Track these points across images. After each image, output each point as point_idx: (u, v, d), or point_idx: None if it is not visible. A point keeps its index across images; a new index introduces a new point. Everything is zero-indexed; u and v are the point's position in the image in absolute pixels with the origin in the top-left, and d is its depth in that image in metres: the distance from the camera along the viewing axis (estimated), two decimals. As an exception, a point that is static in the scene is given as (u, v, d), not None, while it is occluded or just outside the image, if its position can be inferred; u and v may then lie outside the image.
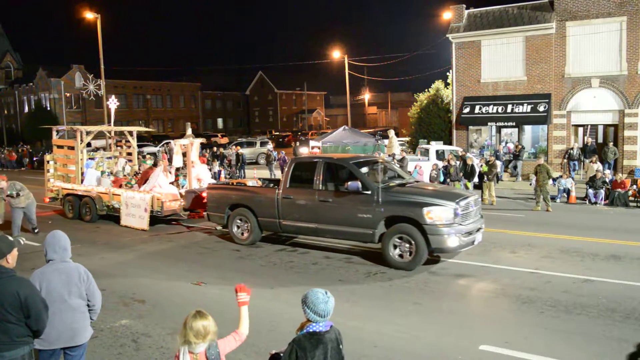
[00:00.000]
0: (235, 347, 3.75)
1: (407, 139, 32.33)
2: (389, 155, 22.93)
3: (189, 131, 15.31)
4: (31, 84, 61.13)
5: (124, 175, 15.94)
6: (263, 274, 9.43)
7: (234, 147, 32.66)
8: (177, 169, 16.10)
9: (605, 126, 23.59)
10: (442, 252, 9.32)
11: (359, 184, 9.61)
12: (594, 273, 8.83)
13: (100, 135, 19.10)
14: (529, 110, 23.47)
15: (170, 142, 35.23)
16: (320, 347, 3.36)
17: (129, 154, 17.96)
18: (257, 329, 6.72)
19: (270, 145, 35.64)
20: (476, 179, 18.75)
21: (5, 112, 65.45)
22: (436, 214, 8.99)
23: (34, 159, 37.64)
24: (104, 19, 33.64)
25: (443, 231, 8.92)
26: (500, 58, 24.67)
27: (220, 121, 78.30)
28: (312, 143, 28.02)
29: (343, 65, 46.20)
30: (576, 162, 22.47)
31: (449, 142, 26.34)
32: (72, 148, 16.09)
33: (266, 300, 7.95)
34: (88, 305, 4.56)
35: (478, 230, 9.63)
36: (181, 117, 67.36)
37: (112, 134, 18.31)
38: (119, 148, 18.44)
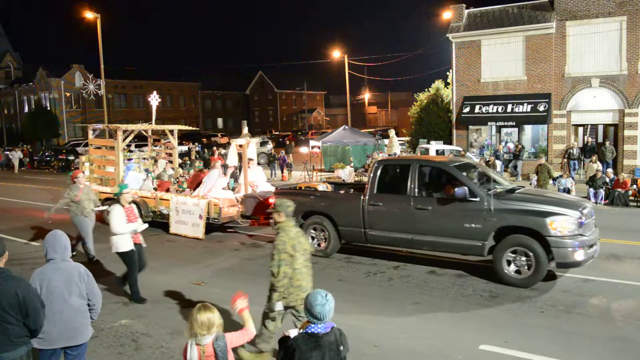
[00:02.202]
0: (242, 343, 3.97)
1: (407, 138, 32.33)
2: (389, 155, 22.96)
3: (245, 130, 14.22)
4: (31, 83, 61.14)
5: (169, 178, 14.59)
6: (263, 273, 9.42)
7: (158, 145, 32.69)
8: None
9: (605, 126, 23.59)
10: (567, 266, 8.30)
11: (467, 190, 8.56)
12: (594, 273, 8.83)
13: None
14: (529, 109, 23.47)
15: (169, 141, 35.26)
16: (318, 349, 3.36)
17: (169, 154, 16.68)
18: (257, 329, 6.73)
19: (270, 145, 35.61)
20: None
21: (5, 112, 65.44)
22: (560, 224, 8.02)
23: (34, 158, 37.57)
24: (104, 19, 33.63)
25: (568, 243, 7.94)
26: (500, 58, 24.66)
27: (220, 121, 78.27)
28: (312, 143, 28.05)
29: (343, 65, 46.22)
30: (576, 162, 22.48)
31: (449, 141, 26.34)
32: (112, 148, 14.68)
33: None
34: (88, 305, 4.56)
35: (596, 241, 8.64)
36: (181, 117, 67.32)
37: (150, 132, 16.85)
38: (156, 148, 17.40)
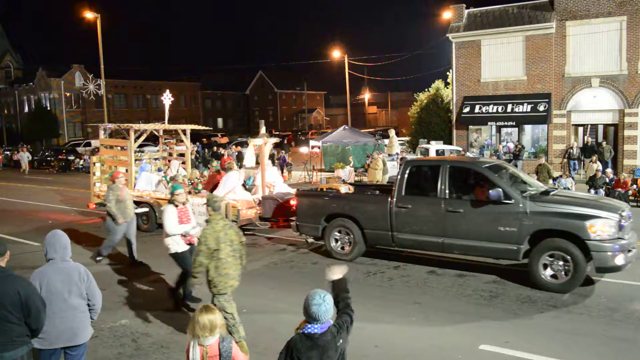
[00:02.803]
0: None
1: (407, 138, 32.34)
2: (389, 155, 22.96)
3: (263, 130, 13.77)
4: (31, 83, 61.11)
5: (183, 179, 14.19)
6: (264, 273, 9.43)
7: (234, 146, 32.70)
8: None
9: (605, 126, 23.59)
10: (606, 271, 8.11)
11: (501, 192, 8.29)
12: (595, 272, 8.82)
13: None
14: (529, 109, 23.47)
15: (170, 141, 35.25)
16: (315, 349, 3.37)
17: (182, 154, 16.33)
18: (257, 329, 6.73)
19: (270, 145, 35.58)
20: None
21: (5, 112, 65.45)
22: (600, 227, 7.77)
23: (34, 158, 37.57)
24: (104, 19, 33.63)
25: (608, 247, 7.68)
26: (500, 58, 24.66)
27: (220, 121, 78.26)
28: (312, 143, 28.05)
29: (343, 65, 46.22)
30: (576, 162, 22.48)
31: (449, 141, 26.34)
32: (124, 148, 14.35)
33: (267, 300, 7.95)
34: (88, 305, 4.56)
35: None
36: (181, 117, 67.28)
37: (161, 132, 16.29)
38: (168, 148, 16.86)
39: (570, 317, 7.01)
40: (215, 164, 18.94)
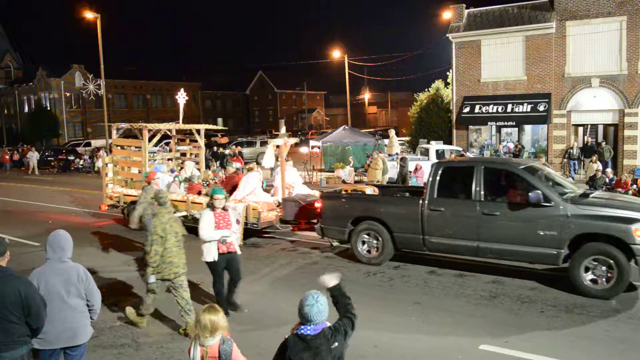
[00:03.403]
0: None
1: (407, 138, 32.35)
2: (389, 155, 22.96)
3: (283, 130, 13.29)
4: (31, 83, 61.13)
5: (199, 180, 13.75)
6: (264, 273, 9.42)
7: (234, 146, 32.70)
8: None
9: (605, 126, 23.58)
10: None
11: (541, 194, 8.01)
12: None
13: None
14: (529, 109, 23.47)
15: (170, 142, 35.23)
16: (306, 352, 3.38)
17: (196, 155, 15.89)
18: (256, 329, 6.74)
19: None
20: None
21: (5, 112, 65.45)
22: None
23: (23, 158, 37.58)
24: (104, 19, 33.63)
25: None
26: (500, 58, 24.66)
27: (220, 121, 78.21)
28: (312, 143, 28.05)
29: (343, 65, 46.22)
30: (576, 162, 22.48)
31: (449, 141, 26.34)
32: (138, 148, 13.94)
33: (267, 300, 7.95)
34: (87, 305, 4.56)
35: None
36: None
37: (174, 132, 15.94)
38: (182, 148, 16.45)
39: (571, 317, 7.01)
40: (234, 164, 18.73)
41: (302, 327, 3.44)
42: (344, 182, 22.71)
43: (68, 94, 58.97)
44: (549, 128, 23.71)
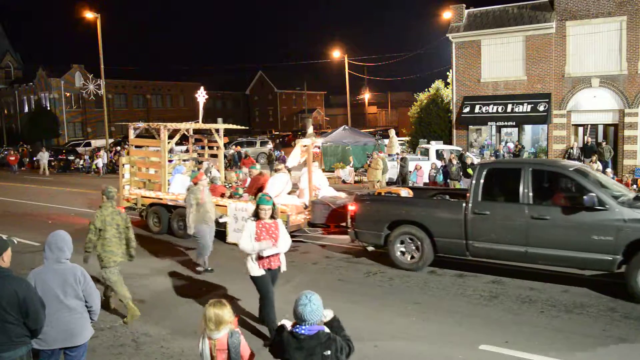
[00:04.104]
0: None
1: (407, 138, 32.35)
2: (389, 155, 22.96)
3: (310, 129, 13.24)
4: (31, 83, 61.16)
5: (223, 183, 13.29)
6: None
7: (234, 146, 32.70)
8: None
9: (605, 126, 23.59)
10: None
11: (595, 197, 7.67)
12: (595, 272, 8.82)
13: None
14: (529, 109, 23.47)
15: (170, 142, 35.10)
16: (300, 351, 3.39)
17: (214, 155, 15.38)
18: (256, 328, 6.73)
19: (270, 145, 35.61)
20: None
21: (5, 112, 65.47)
22: None
23: (34, 158, 37.54)
24: (104, 19, 33.67)
25: None
26: (500, 58, 24.66)
27: (220, 121, 78.20)
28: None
29: (343, 65, 46.26)
30: (576, 162, 22.45)
31: (449, 141, 26.35)
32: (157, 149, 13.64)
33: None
34: (86, 306, 4.56)
35: None
36: (181, 117, 67.35)
37: (191, 132, 15.40)
38: (199, 149, 15.97)
39: (570, 317, 7.01)
40: (258, 165, 18.04)
41: (297, 326, 3.46)
42: (344, 182, 22.72)
43: (68, 94, 58.99)
44: (549, 128, 23.71)
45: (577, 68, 22.95)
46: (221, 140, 14.84)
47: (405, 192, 10.53)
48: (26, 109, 61.88)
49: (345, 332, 3.70)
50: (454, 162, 18.47)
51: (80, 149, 39.25)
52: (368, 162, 20.56)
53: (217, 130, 14.72)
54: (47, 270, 4.44)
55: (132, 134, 14.08)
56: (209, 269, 9.39)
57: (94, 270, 7.82)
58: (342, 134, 27.28)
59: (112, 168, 31.87)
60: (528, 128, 24.94)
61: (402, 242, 9.41)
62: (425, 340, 6.39)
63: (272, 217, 6.30)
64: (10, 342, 3.94)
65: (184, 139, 15.75)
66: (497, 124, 24.72)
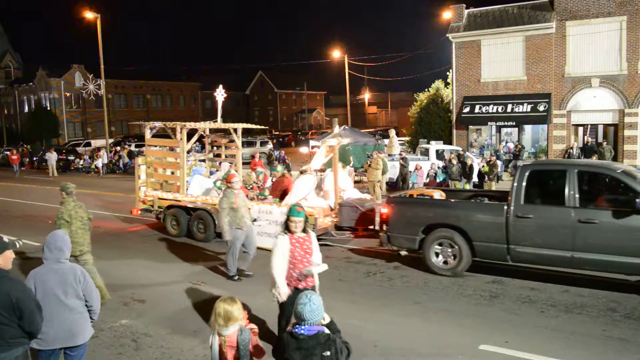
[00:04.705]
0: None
1: (407, 138, 32.35)
2: (389, 155, 22.96)
3: (336, 129, 12.33)
4: (31, 83, 61.16)
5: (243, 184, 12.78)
6: (264, 273, 9.41)
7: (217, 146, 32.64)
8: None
9: (605, 126, 23.60)
10: None
11: None
12: (595, 272, 8.82)
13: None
14: (529, 109, 23.48)
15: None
16: (299, 351, 3.41)
17: (232, 156, 14.97)
18: (259, 328, 6.73)
19: (270, 145, 35.59)
20: (475, 179, 18.75)
21: (5, 112, 65.50)
22: None
23: (34, 158, 37.56)
24: (104, 19, 33.65)
25: None
26: (500, 58, 24.67)
27: (220, 121, 78.24)
28: (312, 143, 28.06)
29: (343, 65, 46.26)
30: (576, 162, 22.46)
31: (449, 141, 26.35)
32: (173, 149, 13.29)
33: (267, 299, 7.94)
34: (86, 306, 4.56)
35: None
36: (181, 117, 67.40)
37: (207, 132, 14.98)
38: (216, 149, 15.60)
39: (570, 317, 7.01)
40: (280, 167, 16.78)
41: (297, 326, 3.48)
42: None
43: (68, 94, 58.99)
44: (549, 128, 23.72)
45: (577, 68, 22.96)
46: (239, 141, 14.44)
47: (438, 194, 10.19)
48: (26, 109, 61.88)
49: (339, 333, 3.71)
50: (454, 162, 18.47)
51: (80, 149, 39.26)
52: (368, 162, 20.55)
53: (235, 130, 14.30)
54: (47, 270, 4.44)
55: (148, 134, 13.65)
56: (250, 273, 9.05)
57: (97, 270, 7.86)
58: (342, 134, 27.25)
59: (112, 168, 31.95)
60: (528, 128, 24.95)
61: (438, 247, 9.06)
62: (425, 340, 6.39)
63: (304, 230, 5.59)
64: (5, 343, 3.91)
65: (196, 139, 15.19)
66: (497, 124, 24.74)
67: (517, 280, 8.61)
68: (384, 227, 9.74)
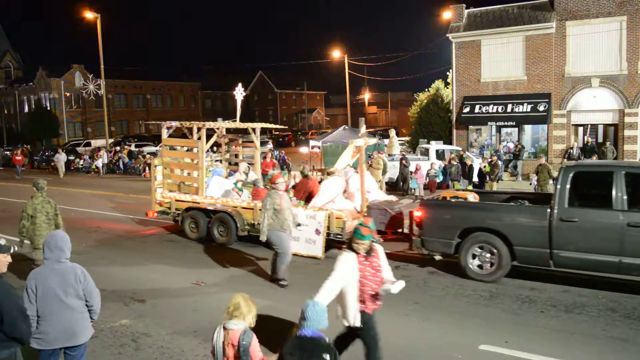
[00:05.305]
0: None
1: (407, 138, 32.35)
2: (389, 155, 22.96)
3: (363, 129, 11.91)
4: (31, 83, 61.19)
5: (266, 186, 12.37)
6: (265, 273, 9.42)
7: (234, 146, 32.65)
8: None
9: (605, 126, 23.59)
10: None
11: None
12: (594, 272, 8.83)
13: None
14: (529, 109, 23.47)
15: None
16: (298, 350, 3.52)
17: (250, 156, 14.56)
18: (256, 329, 6.72)
19: (270, 145, 35.57)
20: (475, 179, 18.75)
21: (5, 112, 65.51)
22: None
23: (34, 158, 37.56)
24: (104, 19, 33.67)
25: None
26: (500, 58, 24.66)
27: (220, 121, 78.21)
28: (312, 143, 28.06)
29: (343, 65, 46.28)
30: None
31: (449, 141, 26.35)
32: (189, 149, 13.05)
33: (269, 300, 7.94)
34: (87, 306, 4.57)
35: None
36: (181, 117, 67.40)
37: (224, 131, 14.42)
38: (234, 149, 15.22)
39: (570, 317, 7.01)
40: (304, 168, 16.14)
41: (301, 329, 3.61)
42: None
43: (68, 94, 59.02)
44: (549, 128, 23.72)
45: (577, 68, 22.96)
46: (257, 141, 14.09)
47: (472, 197, 9.85)
48: (26, 109, 61.91)
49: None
50: (454, 162, 18.47)
51: (80, 149, 39.26)
52: (369, 162, 20.56)
53: (254, 130, 13.91)
54: (47, 270, 4.45)
55: (165, 134, 13.20)
56: (284, 283, 8.61)
57: (95, 270, 7.85)
58: (342, 134, 27.25)
59: (112, 168, 31.95)
60: (528, 128, 24.94)
61: (477, 251, 8.73)
62: (425, 341, 6.39)
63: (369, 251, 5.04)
64: None
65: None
66: (497, 124, 24.73)
67: (517, 280, 8.61)
68: (417, 231, 9.38)
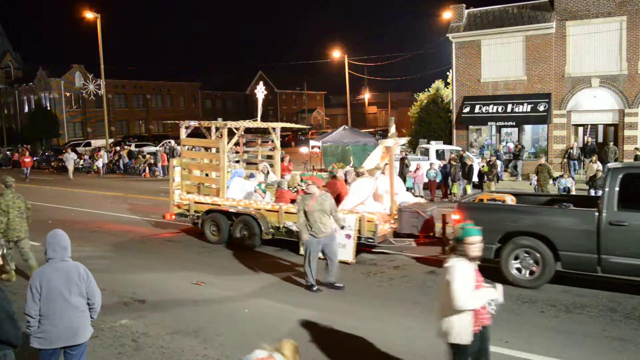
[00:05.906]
0: None
1: (407, 138, 32.36)
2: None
3: (393, 129, 11.49)
4: (31, 83, 61.16)
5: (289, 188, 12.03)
6: (266, 274, 9.42)
7: (234, 146, 32.65)
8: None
9: (605, 126, 23.60)
10: None
11: None
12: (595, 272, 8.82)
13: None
14: (529, 109, 23.48)
15: (171, 142, 35.29)
16: None
17: (269, 157, 14.28)
18: (257, 329, 6.73)
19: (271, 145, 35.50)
20: (475, 179, 18.74)
21: (5, 112, 65.49)
22: None
23: (34, 158, 37.54)
24: (104, 19, 33.69)
25: None
26: (500, 58, 24.67)
27: (220, 120, 78.16)
28: (312, 143, 28.08)
29: (343, 65, 46.27)
30: (576, 162, 22.46)
31: (449, 141, 26.36)
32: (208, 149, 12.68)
33: (268, 300, 7.95)
34: (88, 304, 4.58)
35: None
36: (181, 117, 67.39)
37: (242, 131, 14.07)
38: (253, 149, 14.98)
39: (570, 317, 7.01)
40: (332, 167, 15.18)
41: None
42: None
43: (68, 94, 58.99)
44: (549, 128, 23.72)
45: (577, 68, 22.96)
46: (278, 140, 13.82)
47: (509, 199, 9.53)
48: (26, 109, 61.87)
49: None
50: (454, 162, 18.47)
51: (80, 149, 39.27)
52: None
53: (274, 129, 13.59)
54: (51, 269, 4.46)
55: (183, 134, 12.83)
56: (340, 285, 8.37)
57: (95, 270, 7.84)
58: (342, 134, 27.26)
59: (112, 168, 31.95)
60: (528, 128, 24.94)
61: (517, 257, 8.39)
62: (425, 340, 6.39)
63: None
64: None
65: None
66: (497, 124, 24.73)
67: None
68: (452, 235, 9.30)
